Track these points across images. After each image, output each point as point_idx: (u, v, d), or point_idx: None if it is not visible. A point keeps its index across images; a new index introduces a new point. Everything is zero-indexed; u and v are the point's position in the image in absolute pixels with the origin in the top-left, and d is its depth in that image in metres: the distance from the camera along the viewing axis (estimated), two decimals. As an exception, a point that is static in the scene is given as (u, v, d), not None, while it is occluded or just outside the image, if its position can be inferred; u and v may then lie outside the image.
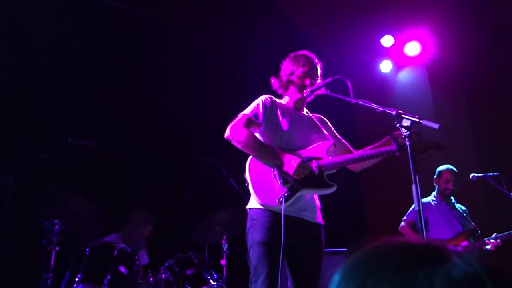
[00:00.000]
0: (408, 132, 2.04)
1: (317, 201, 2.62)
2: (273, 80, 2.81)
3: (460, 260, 0.56)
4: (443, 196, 4.39)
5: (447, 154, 2.57)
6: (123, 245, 3.46)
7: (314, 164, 2.49)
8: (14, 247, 3.56)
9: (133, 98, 5.12)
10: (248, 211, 2.55)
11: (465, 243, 4.12)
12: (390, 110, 2.13)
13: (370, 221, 6.45)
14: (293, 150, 2.55)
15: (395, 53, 6.29)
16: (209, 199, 4.78)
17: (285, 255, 2.36)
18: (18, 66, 4.41)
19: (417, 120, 2.03)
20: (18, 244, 3.77)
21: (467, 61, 5.57)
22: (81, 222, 3.60)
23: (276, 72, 2.82)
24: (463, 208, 4.44)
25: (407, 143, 2.04)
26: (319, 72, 2.74)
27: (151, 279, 3.64)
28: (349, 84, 2.38)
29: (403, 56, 6.22)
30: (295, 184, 2.44)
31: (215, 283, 3.57)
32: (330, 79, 2.54)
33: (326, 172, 2.51)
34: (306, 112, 2.84)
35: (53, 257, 3.31)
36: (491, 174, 4.18)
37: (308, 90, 2.63)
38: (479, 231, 4.19)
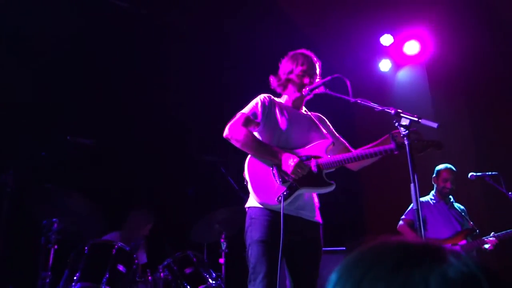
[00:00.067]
0: (407, 131, 2.04)
1: (316, 200, 2.62)
2: (271, 79, 2.81)
3: (456, 260, 0.57)
4: (441, 195, 4.40)
5: (445, 153, 2.58)
6: (121, 243, 3.46)
7: (313, 163, 2.48)
8: (12, 245, 3.56)
9: (132, 97, 5.12)
10: (246, 209, 2.55)
11: (464, 242, 4.12)
12: (389, 109, 2.13)
13: (368, 220, 6.45)
14: (291, 149, 2.55)
15: (394, 52, 6.29)
16: (208, 198, 4.78)
17: (283, 254, 2.35)
18: (18, 64, 4.41)
19: (416, 119, 2.03)
20: (16, 242, 3.77)
21: (466, 60, 5.57)
22: (79, 221, 3.60)
23: (275, 71, 2.82)
24: (462, 207, 4.44)
25: (406, 142, 2.04)
26: (318, 71, 2.74)
27: (149, 277, 3.64)
28: (348, 83, 2.37)
29: (402, 55, 6.22)
30: (294, 182, 2.44)
31: (214, 282, 3.57)
32: (329, 77, 2.54)
33: (325, 171, 2.51)
34: (305, 111, 2.83)
35: (51, 256, 3.32)
36: (490, 173, 4.19)
37: (307, 88, 2.62)
38: (478, 230, 4.19)
